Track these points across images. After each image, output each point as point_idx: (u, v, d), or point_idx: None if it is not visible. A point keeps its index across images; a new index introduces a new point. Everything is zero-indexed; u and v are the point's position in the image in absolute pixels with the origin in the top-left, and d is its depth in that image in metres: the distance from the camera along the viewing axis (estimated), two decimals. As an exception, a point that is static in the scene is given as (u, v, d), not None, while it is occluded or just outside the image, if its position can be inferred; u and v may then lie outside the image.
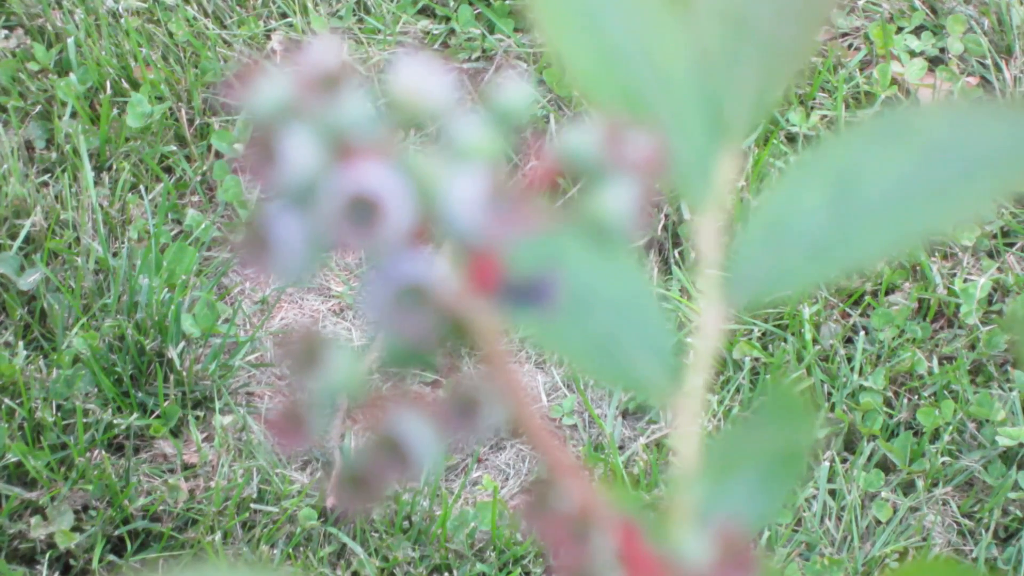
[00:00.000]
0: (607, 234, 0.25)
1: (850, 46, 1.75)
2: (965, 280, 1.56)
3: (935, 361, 1.52)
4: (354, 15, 1.76)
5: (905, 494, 1.45)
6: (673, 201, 1.53)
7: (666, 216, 1.58)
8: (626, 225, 0.25)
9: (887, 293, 1.56)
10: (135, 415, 1.45)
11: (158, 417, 1.46)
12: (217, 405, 1.47)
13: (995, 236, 1.60)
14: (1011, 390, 1.48)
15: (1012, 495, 1.43)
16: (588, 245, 0.25)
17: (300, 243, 0.24)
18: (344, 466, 0.26)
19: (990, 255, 1.59)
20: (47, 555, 1.38)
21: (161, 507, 1.41)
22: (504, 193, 0.23)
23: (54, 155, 1.62)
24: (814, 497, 1.42)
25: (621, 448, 1.46)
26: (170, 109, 1.65)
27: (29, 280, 1.52)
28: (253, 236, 0.24)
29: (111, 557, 1.39)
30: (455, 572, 1.38)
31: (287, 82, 0.24)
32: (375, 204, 0.23)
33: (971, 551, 1.42)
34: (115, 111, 1.64)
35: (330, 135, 0.24)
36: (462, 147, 0.25)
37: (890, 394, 1.50)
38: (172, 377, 1.47)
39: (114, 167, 1.62)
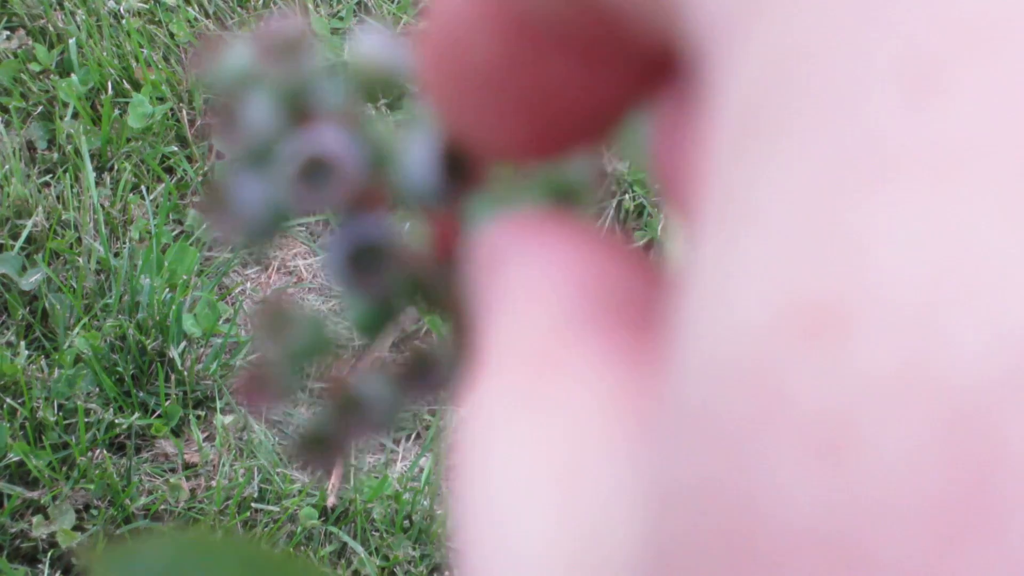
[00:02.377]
0: (569, 197, 0.26)
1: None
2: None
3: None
4: (355, 16, 1.76)
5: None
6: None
7: (667, 217, 1.58)
8: (587, 189, 0.26)
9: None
10: (136, 414, 1.45)
11: (159, 417, 1.46)
12: (218, 404, 1.48)
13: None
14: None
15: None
16: (549, 206, 0.26)
17: (261, 205, 0.25)
18: (307, 428, 0.26)
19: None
20: (49, 554, 1.38)
21: (162, 506, 1.41)
22: (459, 154, 0.24)
23: (56, 155, 1.63)
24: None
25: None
26: (171, 110, 1.66)
27: (31, 280, 1.52)
28: (216, 199, 0.25)
29: (113, 556, 1.39)
30: (456, 571, 1.38)
31: (248, 50, 0.25)
32: (330, 165, 0.24)
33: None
34: (116, 112, 1.65)
35: (291, 101, 0.25)
36: (420, 112, 0.25)
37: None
38: (173, 377, 1.47)
39: (115, 167, 1.62)
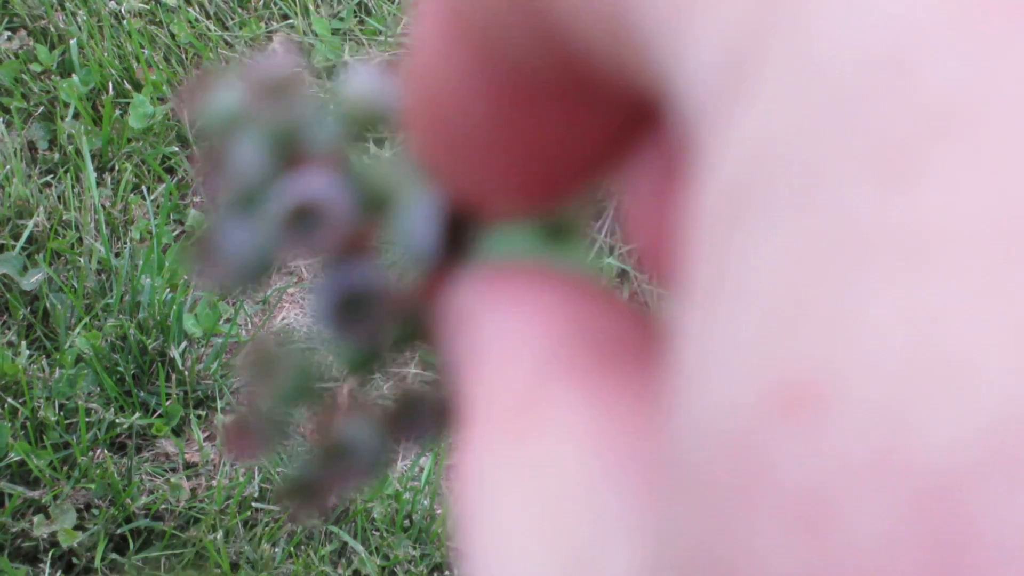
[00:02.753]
0: (560, 233, 0.25)
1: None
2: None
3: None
4: (355, 16, 1.76)
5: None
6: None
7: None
8: (579, 225, 0.25)
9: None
10: (137, 414, 1.45)
11: (160, 416, 1.47)
12: (219, 404, 1.48)
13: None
14: None
15: None
16: (541, 245, 0.25)
17: (249, 252, 0.24)
18: (295, 475, 0.26)
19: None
20: (50, 553, 1.39)
21: (163, 506, 1.41)
22: (460, 212, 0.24)
23: (57, 156, 1.63)
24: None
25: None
26: (172, 110, 1.66)
27: (32, 280, 1.52)
28: (204, 246, 0.24)
29: (113, 555, 1.39)
30: (455, 571, 1.39)
31: (239, 91, 0.24)
32: (319, 211, 0.23)
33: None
34: (117, 112, 1.65)
35: (280, 143, 0.24)
36: (414, 159, 0.25)
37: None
38: (174, 376, 1.47)
39: (116, 168, 1.62)
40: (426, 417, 0.26)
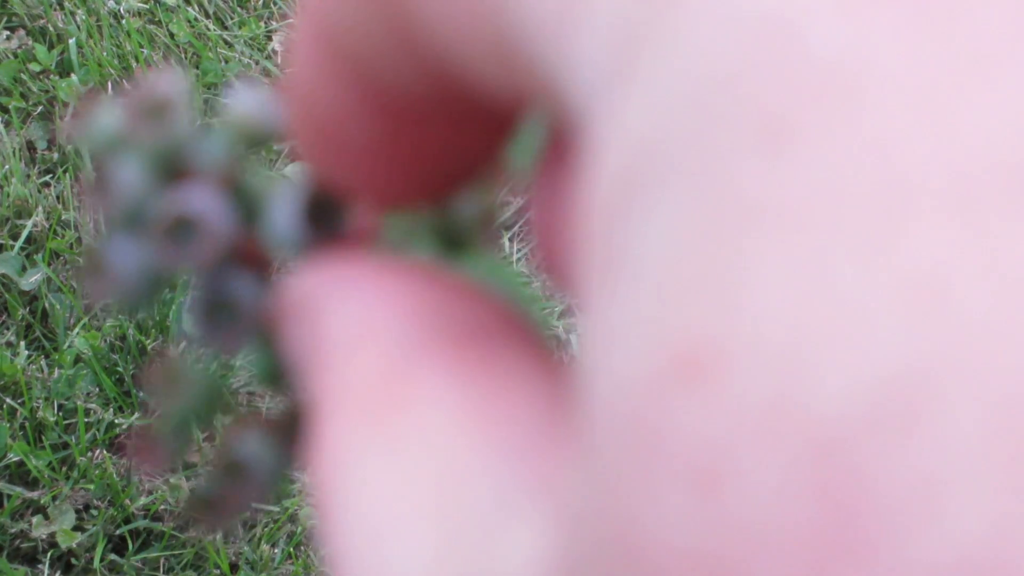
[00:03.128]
0: (460, 236, 0.25)
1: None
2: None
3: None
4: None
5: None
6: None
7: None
8: (478, 228, 0.26)
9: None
10: (136, 414, 1.45)
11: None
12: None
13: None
14: None
15: None
16: (441, 249, 0.25)
17: (135, 269, 0.25)
18: (197, 490, 0.26)
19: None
20: (49, 554, 1.38)
21: (162, 506, 1.41)
22: (328, 204, 0.24)
23: (56, 155, 1.63)
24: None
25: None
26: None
27: (31, 280, 1.52)
28: (92, 265, 0.25)
29: (112, 556, 1.39)
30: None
31: (120, 112, 0.25)
32: (196, 223, 0.24)
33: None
34: (116, 112, 1.65)
35: (162, 162, 0.25)
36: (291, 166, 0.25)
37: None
38: (173, 377, 1.47)
39: (115, 167, 1.62)
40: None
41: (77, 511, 1.41)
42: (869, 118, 0.12)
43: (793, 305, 0.11)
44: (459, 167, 0.20)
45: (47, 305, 1.51)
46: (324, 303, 0.19)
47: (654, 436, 0.12)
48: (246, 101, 0.25)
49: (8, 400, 1.43)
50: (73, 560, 1.39)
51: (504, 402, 0.17)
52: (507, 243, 1.57)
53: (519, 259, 1.56)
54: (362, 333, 0.18)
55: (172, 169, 0.24)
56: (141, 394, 1.47)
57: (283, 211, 0.24)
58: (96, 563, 1.38)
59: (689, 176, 0.12)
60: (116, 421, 1.44)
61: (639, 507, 0.12)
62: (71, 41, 1.68)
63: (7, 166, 1.58)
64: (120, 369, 1.47)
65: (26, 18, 1.72)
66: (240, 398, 0.26)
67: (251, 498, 0.26)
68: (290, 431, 0.26)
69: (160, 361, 0.26)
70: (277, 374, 0.25)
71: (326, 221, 0.24)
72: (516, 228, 1.55)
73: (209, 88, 1.67)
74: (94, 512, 1.40)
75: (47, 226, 1.56)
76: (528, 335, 0.18)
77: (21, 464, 1.41)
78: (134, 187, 0.24)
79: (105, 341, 1.48)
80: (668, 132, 0.13)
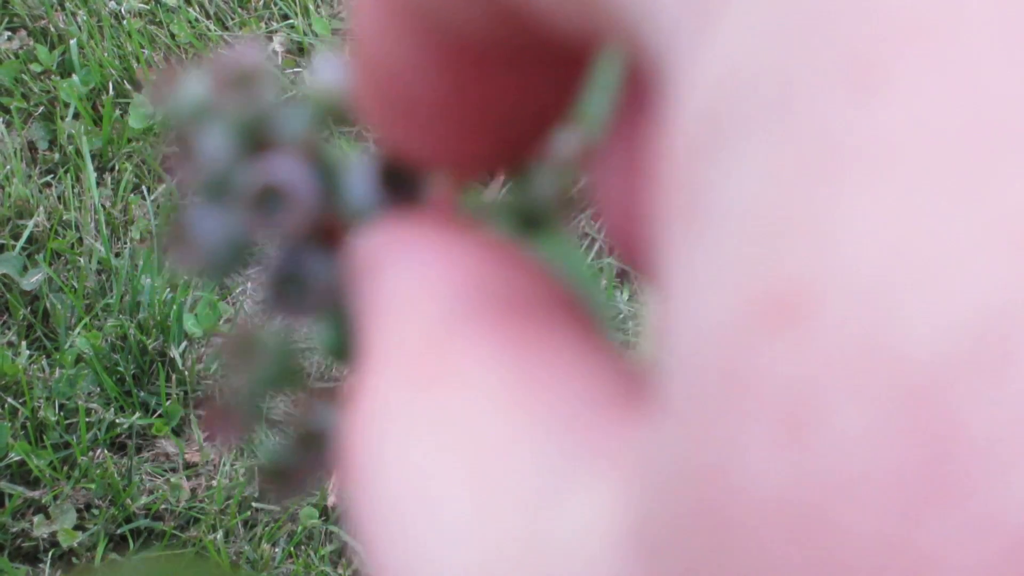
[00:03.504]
0: (534, 219, 0.26)
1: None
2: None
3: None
4: (355, 16, 1.76)
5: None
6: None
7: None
8: (553, 211, 0.26)
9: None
10: (137, 414, 1.45)
11: (160, 416, 1.47)
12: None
13: None
14: None
15: None
16: (515, 231, 0.25)
17: (220, 238, 0.25)
18: (269, 460, 0.26)
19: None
20: (50, 553, 1.39)
21: (163, 506, 1.41)
22: (405, 173, 0.24)
23: (57, 156, 1.63)
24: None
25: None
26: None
27: (32, 280, 1.52)
28: (177, 234, 0.25)
29: (113, 555, 1.40)
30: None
31: (205, 82, 0.25)
32: (283, 193, 0.24)
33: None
34: (117, 112, 1.65)
35: (247, 131, 0.24)
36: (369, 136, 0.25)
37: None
38: (174, 376, 1.48)
39: (116, 168, 1.63)
40: None
41: (78, 510, 1.41)
42: (962, 59, 0.11)
43: (886, 245, 0.11)
44: (531, 122, 0.20)
45: (48, 305, 1.51)
46: (383, 262, 0.19)
47: (741, 382, 0.12)
48: (328, 71, 0.25)
49: (9, 400, 1.43)
50: (74, 559, 1.39)
51: (553, 377, 0.16)
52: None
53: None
54: (415, 296, 0.18)
55: (256, 140, 0.24)
56: (142, 394, 1.47)
57: (359, 181, 0.24)
58: (97, 562, 1.38)
59: (780, 115, 0.12)
60: (117, 421, 1.45)
61: (724, 458, 0.12)
62: (72, 42, 1.68)
63: (8, 166, 1.59)
64: (121, 369, 1.47)
65: (27, 19, 1.72)
66: (311, 369, 0.26)
67: (324, 468, 0.26)
68: None
69: (232, 332, 0.26)
70: (345, 347, 0.25)
71: (403, 191, 0.24)
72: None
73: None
74: (95, 511, 1.41)
75: (48, 226, 1.56)
76: (586, 317, 0.18)
77: (22, 463, 1.42)
78: (219, 157, 0.24)
79: (106, 341, 1.48)
80: (757, 70, 0.12)
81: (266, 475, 0.26)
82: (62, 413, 1.44)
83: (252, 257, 0.25)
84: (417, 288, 0.18)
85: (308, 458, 0.26)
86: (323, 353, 0.26)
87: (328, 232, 0.24)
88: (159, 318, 1.48)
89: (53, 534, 1.39)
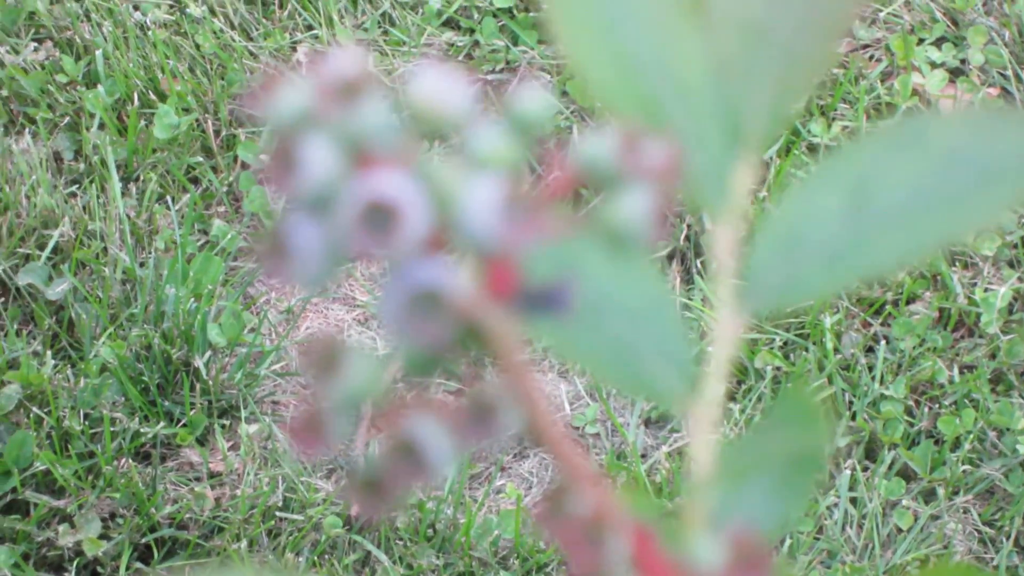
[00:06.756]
0: (624, 242, 0.25)
1: (871, 57, 1.76)
2: (986, 290, 1.56)
3: (956, 370, 1.52)
4: (379, 27, 1.77)
5: (926, 502, 1.45)
6: (695, 211, 1.53)
7: (688, 226, 1.59)
8: (643, 233, 0.26)
9: (908, 303, 1.56)
10: (162, 424, 1.46)
11: (184, 426, 1.47)
12: (243, 414, 1.48)
13: (1016, 246, 1.60)
14: (1032, 399, 1.49)
15: (1033, 504, 1.44)
16: (605, 252, 0.26)
17: (320, 251, 0.24)
18: (362, 472, 0.26)
19: (1011, 265, 1.59)
20: (75, 563, 1.39)
21: (187, 515, 1.42)
22: (520, 200, 0.23)
23: (82, 166, 1.64)
24: (835, 505, 1.43)
25: (644, 456, 1.47)
26: (197, 120, 1.67)
27: (57, 290, 1.53)
28: (274, 245, 0.24)
29: (138, 564, 1.40)
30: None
31: (308, 91, 0.24)
32: (392, 211, 0.23)
33: (992, 559, 1.42)
34: (142, 123, 1.66)
35: (350, 144, 0.24)
36: (480, 155, 0.25)
37: (911, 403, 1.50)
38: (198, 386, 1.48)
39: (141, 178, 1.63)
40: (495, 419, 0.26)
41: (103, 519, 1.41)
42: None
43: None
44: None
45: (73, 315, 1.51)
46: None
47: None
48: (430, 83, 0.25)
49: (35, 409, 1.44)
50: (99, 568, 1.40)
51: None
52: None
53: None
54: None
55: (359, 152, 0.24)
56: (166, 403, 1.48)
57: (479, 203, 0.24)
58: (122, 571, 1.39)
59: None
60: (141, 430, 1.45)
61: None
62: (98, 52, 1.69)
63: (34, 176, 1.59)
64: (145, 378, 1.47)
65: (53, 30, 1.73)
66: (398, 384, 0.26)
67: (417, 481, 0.26)
68: (464, 420, 0.26)
69: (322, 346, 0.25)
70: (427, 365, 0.25)
71: (518, 215, 0.23)
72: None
73: (234, 99, 1.68)
74: (120, 520, 1.41)
75: (73, 236, 1.57)
76: None
77: (48, 473, 1.42)
78: (322, 168, 0.24)
79: (131, 350, 1.48)
80: None
81: (358, 486, 0.26)
82: (87, 423, 1.44)
83: (346, 264, 0.25)
84: None
85: (402, 470, 0.26)
86: (406, 369, 0.26)
87: (432, 244, 0.24)
88: (183, 328, 1.49)
89: (78, 543, 1.39)
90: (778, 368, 1.51)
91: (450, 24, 1.78)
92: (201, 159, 1.65)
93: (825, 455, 1.31)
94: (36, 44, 1.73)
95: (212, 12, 1.76)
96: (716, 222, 0.37)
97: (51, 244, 1.56)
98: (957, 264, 1.59)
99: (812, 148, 1.66)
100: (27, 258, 1.56)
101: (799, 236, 0.37)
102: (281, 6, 1.78)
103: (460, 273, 0.24)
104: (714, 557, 0.29)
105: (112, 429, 1.44)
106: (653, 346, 0.36)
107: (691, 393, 0.36)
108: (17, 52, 1.72)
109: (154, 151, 1.64)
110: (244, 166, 1.65)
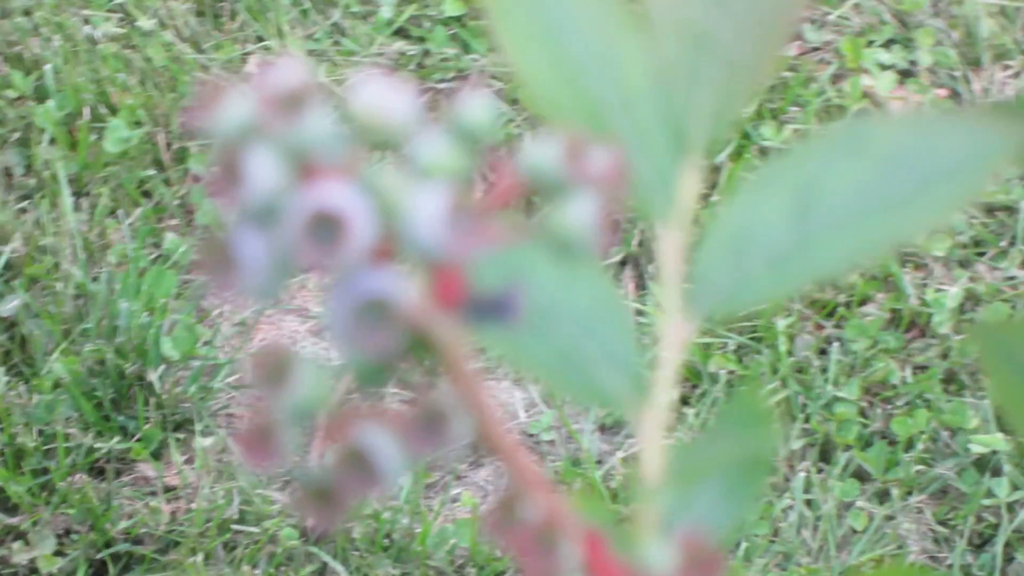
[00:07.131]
0: (571, 248, 0.26)
1: (821, 60, 1.77)
2: (937, 290, 1.57)
3: (908, 371, 1.53)
4: (330, 38, 1.77)
5: (880, 503, 1.46)
6: (647, 216, 1.53)
7: (641, 232, 1.59)
8: (590, 239, 0.26)
9: (860, 304, 1.57)
10: (116, 438, 1.45)
11: (139, 440, 1.47)
12: (198, 427, 1.48)
13: (966, 246, 1.62)
14: (983, 398, 1.50)
15: (986, 502, 1.44)
16: (552, 259, 0.26)
17: (267, 262, 0.24)
18: (313, 483, 0.26)
19: (961, 265, 1.61)
20: (30, 579, 1.38)
21: (143, 530, 1.41)
22: (466, 209, 0.23)
23: (33, 181, 1.63)
24: (791, 508, 1.44)
25: (599, 462, 1.47)
26: (148, 134, 1.66)
27: (9, 307, 1.52)
28: (219, 256, 0.24)
29: (94, 580, 1.39)
30: (437, 589, 1.39)
31: (251, 103, 0.24)
32: (337, 221, 0.23)
33: (946, 558, 1.43)
34: (93, 137, 1.65)
35: (295, 155, 0.24)
36: (426, 165, 0.25)
37: (864, 404, 1.51)
38: (152, 400, 1.47)
39: (92, 192, 1.62)
40: (446, 428, 0.26)
41: (58, 536, 1.40)
42: None
43: None
44: None
45: (25, 331, 1.51)
46: None
47: None
48: (374, 93, 0.25)
49: (-12, 426, 1.43)
50: (55, 585, 1.39)
51: None
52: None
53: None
54: None
55: (303, 163, 0.24)
56: (121, 418, 1.47)
57: (424, 212, 0.24)
58: (78, 587, 1.38)
59: None
60: (96, 445, 1.44)
61: None
62: (47, 67, 1.68)
63: (-16, 192, 1.58)
64: (99, 393, 1.47)
65: (2, 44, 1.72)
66: (347, 395, 0.26)
67: (368, 491, 0.26)
68: (416, 428, 0.26)
69: (270, 357, 0.25)
70: (379, 375, 0.25)
71: (464, 224, 0.23)
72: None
73: (185, 112, 1.67)
74: (75, 537, 1.40)
75: (25, 252, 1.56)
76: None
77: (1, 490, 1.41)
78: (266, 180, 0.24)
79: (84, 366, 1.48)
80: None
81: (307, 496, 0.26)
82: (40, 439, 1.44)
83: (294, 276, 0.25)
84: None
85: (352, 480, 0.26)
86: (355, 379, 0.25)
87: (378, 253, 0.24)
88: (137, 342, 1.48)
89: (33, 560, 1.39)
90: (732, 372, 1.51)
91: (401, 33, 1.78)
92: (153, 172, 1.64)
93: (775, 457, 1.31)
94: (-16, 59, 1.72)
95: (162, 25, 1.76)
96: (663, 227, 0.37)
97: (2, 260, 1.55)
98: (908, 265, 1.60)
99: (763, 152, 1.67)
100: (-22, 274, 1.55)
101: (746, 240, 0.37)
102: (231, 18, 1.77)
103: (408, 282, 0.24)
104: (665, 561, 0.29)
105: (66, 445, 1.43)
106: (603, 352, 0.36)
107: (642, 398, 0.36)
108: (-35, 67, 1.71)
109: (105, 165, 1.64)
110: (196, 179, 1.65)
